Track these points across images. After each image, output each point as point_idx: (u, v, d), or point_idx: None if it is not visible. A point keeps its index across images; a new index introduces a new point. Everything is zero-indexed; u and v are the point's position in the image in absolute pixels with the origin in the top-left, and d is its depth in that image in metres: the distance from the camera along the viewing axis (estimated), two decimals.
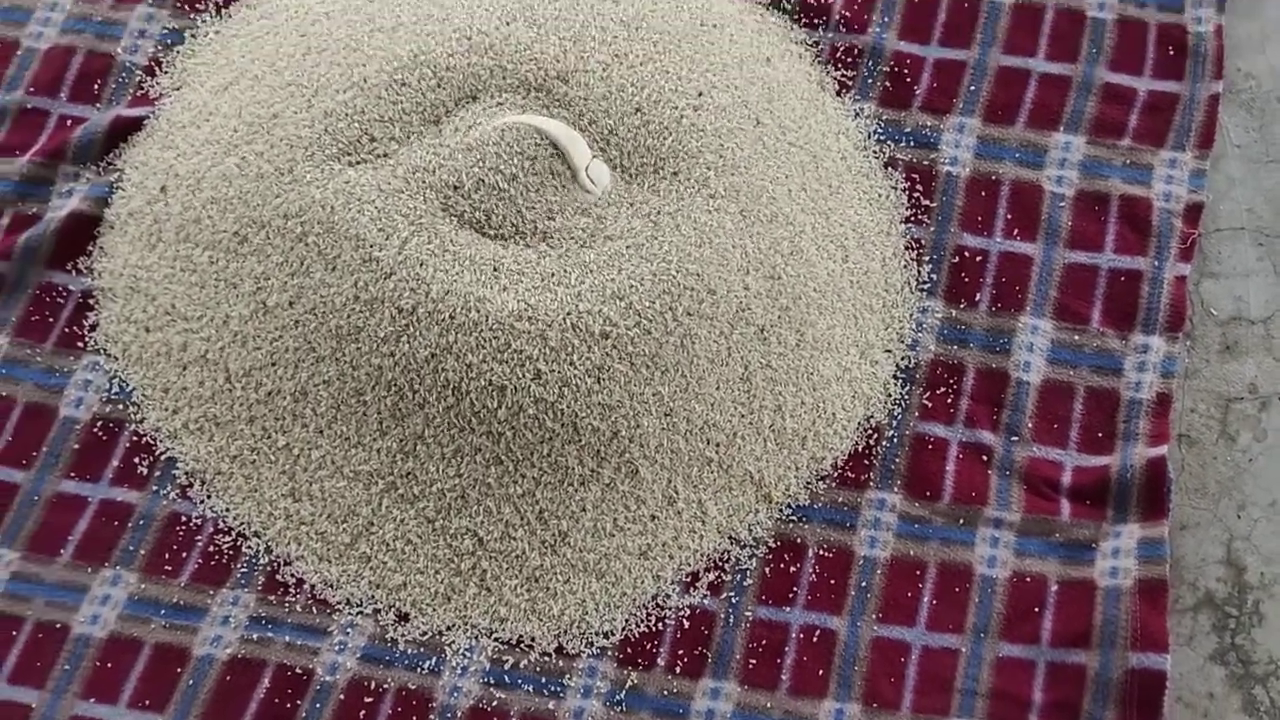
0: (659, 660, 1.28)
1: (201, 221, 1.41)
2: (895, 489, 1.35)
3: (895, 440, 1.37)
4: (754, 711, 1.25)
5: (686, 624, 1.29)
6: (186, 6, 1.59)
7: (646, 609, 1.30)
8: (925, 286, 1.44)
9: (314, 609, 1.30)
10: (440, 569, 1.30)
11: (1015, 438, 1.37)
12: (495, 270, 1.32)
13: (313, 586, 1.31)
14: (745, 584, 1.31)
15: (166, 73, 1.55)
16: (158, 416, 1.37)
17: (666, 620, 1.30)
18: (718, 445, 1.33)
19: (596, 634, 1.29)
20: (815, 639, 1.28)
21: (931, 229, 1.47)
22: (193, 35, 1.57)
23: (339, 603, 1.30)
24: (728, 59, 1.47)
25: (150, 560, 1.32)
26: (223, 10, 1.59)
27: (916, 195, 1.49)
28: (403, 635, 1.29)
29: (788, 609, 1.30)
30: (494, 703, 1.26)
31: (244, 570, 1.31)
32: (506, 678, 1.27)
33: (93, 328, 1.42)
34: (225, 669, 1.27)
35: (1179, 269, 1.44)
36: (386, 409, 1.31)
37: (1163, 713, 1.24)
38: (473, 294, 1.30)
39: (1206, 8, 1.58)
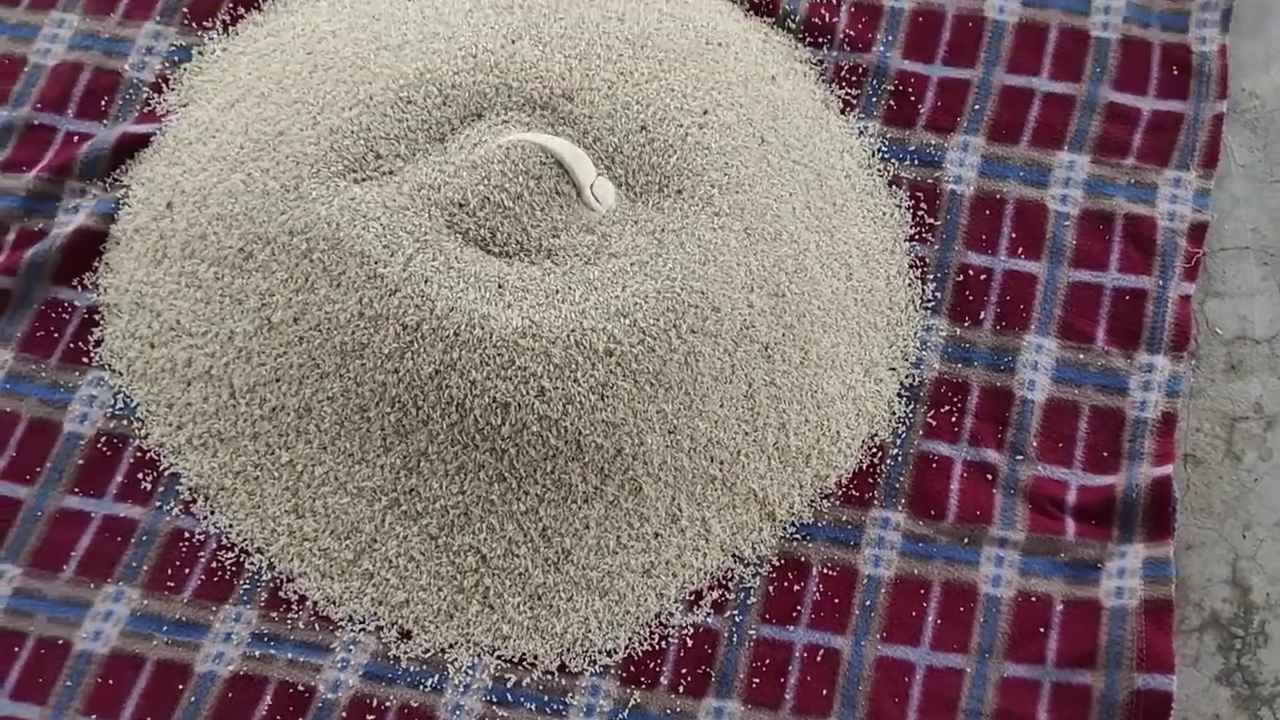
0: (662, 679, 1.27)
1: (207, 238, 1.41)
2: (899, 507, 1.34)
3: (899, 459, 1.37)
4: None
5: (690, 642, 1.29)
6: (194, 24, 1.59)
7: (650, 627, 1.30)
8: (929, 305, 1.44)
9: (316, 626, 1.30)
10: (443, 586, 1.30)
11: (1020, 456, 1.37)
12: (500, 287, 1.32)
13: (315, 603, 1.30)
14: (749, 602, 1.30)
15: (173, 90, 1.55)
16: (161, 432, 1.37)
17: (670, 639, 1.29)
18: (721, 463, 1.33)
19: (599, 652, 1.29)
20: (819, 658, 1.28)
21: (936, 247, 1.47)
22: (200, 53, 1.58)
23: (341, 619, 1.30)
24: (732, 77, 1.47)
25: (153, 576, 1.31)
26: (230, 28, 1.59)
27: (921, 213, 1.49)
28: (405, 653, 1.29)
29: (791, 628, 1.29)
30: None
31: (246, 587, 1.31)
32: (509, 696, 1.27)
33: (98, 343, 1.42)
34: (227, 686, 1.27)
35: (1184, 288, 1.44)
36: (390, 425, 1.31)
37: None
38: (477, 311, 1.30)
39: (1211, 27, 1.58)
